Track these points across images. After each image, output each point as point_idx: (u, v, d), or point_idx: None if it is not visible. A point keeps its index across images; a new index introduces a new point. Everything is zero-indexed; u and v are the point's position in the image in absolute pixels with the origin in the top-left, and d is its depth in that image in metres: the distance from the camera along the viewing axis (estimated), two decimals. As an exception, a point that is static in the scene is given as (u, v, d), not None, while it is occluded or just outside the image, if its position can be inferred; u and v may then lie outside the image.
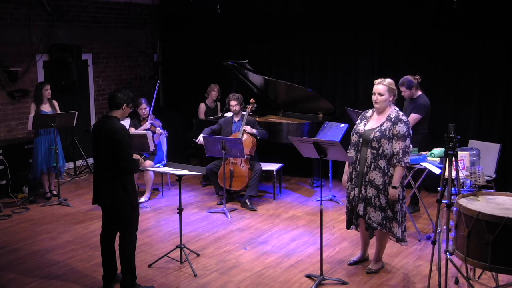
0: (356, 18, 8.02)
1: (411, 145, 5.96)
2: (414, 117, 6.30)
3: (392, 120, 4.68)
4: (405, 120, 4.70)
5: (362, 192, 4.78)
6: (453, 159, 4.23)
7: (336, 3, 8.16)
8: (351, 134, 4.91)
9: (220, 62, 8.54)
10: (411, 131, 4.75)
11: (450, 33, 7.29)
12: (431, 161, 5.72)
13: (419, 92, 6.41)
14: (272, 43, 8.94)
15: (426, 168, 5.63)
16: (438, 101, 7.09)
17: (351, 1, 8.02)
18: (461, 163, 5.17)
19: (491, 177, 6.03)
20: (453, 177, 4.41)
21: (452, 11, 6.63)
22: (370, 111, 4.92)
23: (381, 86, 4.73)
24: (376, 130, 4.69)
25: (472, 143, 6.43)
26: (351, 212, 4.97)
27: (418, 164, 5.69)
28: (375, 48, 7.96)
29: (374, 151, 4.67)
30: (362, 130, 4.78)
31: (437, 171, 5.49)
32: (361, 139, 4.76)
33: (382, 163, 4.66)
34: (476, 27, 7.08)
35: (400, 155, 4.62)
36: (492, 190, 5.01)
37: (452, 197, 4.28)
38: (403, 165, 4.64)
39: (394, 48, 7.80)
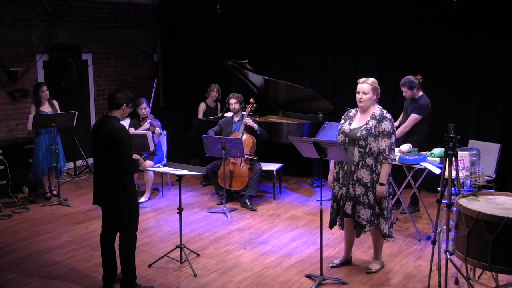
0: (356, 18, 8.03)
1: (410, 146, 6.02)
2: (414, 117, 6.30)
3: (377, 118, 4.73)
4: (389, 117, 4.75)
5: (350, 191, 4.80)
6: (453, 159, 4.23)
7: (336, 3, 8.17)
8: (337, 134, 4.94)
9: (220, 62, 8.54)
10: (395, 128, 4.81)
11: (450, 33, 7.29)
12: (431, 161, 5.73)
13: (421, 93, 6.41)
14: (272, 43, 8.94)
15: (426, 168, 5.63)
16: (438, 101, 7.09)
17: (351, 1, 8.02)
18: (461, 163, 5.18)
19: (491, 177, 6.03)
20: (453, 177, 4.41)
21: (452, 11, 6.63)
22: (353, 111, 4.96)
23: (366, 85, 4.78)
24: (362, 129, 4.73)
25: (472, 143, 6.43)
26: (337, 211, 4.97)
27: (418, 164, 5.69)
28: (375, 48, 7.97)
29: (361, 150, 4.71)
30: (347, 130, 4.82)
31: (437, 171, 5.49)
32: (347, 139, 4.80)
33: (369, 161, 4.70)
34: (476, 27, 7.08)
35: (387, 152, 4.67)
36: (492, 190, 5.01)
37: (452, 197, 4.28)
38: (390, 162, 4.69)
39: (394, 48, 7.80)
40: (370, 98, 4.76)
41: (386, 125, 4.68)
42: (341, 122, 4.95)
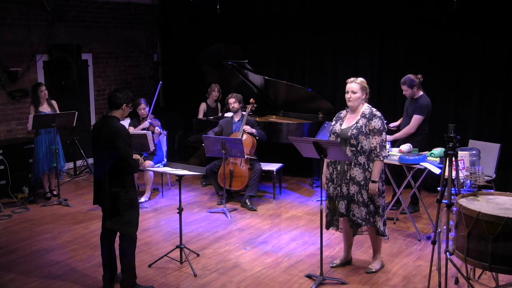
0: (356, 18, 8.02)
1: (410, 146, 6.02)
2: (417, 118, 6.27)
3: (367, 116, 4.77)
4: (379, 115, 4.79)
5: (344, 190, 4.82)
6: (453, 159, 4.23)
7: (336, 3, 8.16)
8: (329, 135, 4.98)
9: (220, 62, 8.54)
10: (385, 126, 4.85)
11: (450, 33, 7.29)
12: (431, 161, 5.73)
13: (421, 92, 6.40)
14: (272, 43, 8.94)
15: (426, 168, 5.63)
16: (438, 101, 7.09)
17: (351, 1, 8.02)
18: (461, 163, 5.18)
19: (491, 177, 6.03)
20: (453, 177, 4.41)
21: (452, 11, 6.63)
22: (343, 112, 5.00)
23: (354, 84, 4.83)
24: (352, 128, 4.77)
25: (472, 143, 6.43)
26: (332, 212, 4.99)
27: (418, 164, 5.69)
28: (375, 48, 7.96)
29: (353, 148, 4.74)
30: (339, 130, 4.86)
31: (437, 171, 5.49)
32: (338, 139, 4.83)
33: (362, 159, 4.74)
34: (476, 27, 7.08)
35: (378, 150, 4.71)
36: (492, 190, 5.01)
37: (452, 197, 4.28)
38: (381, 159, 4.72)
39: (394, 48, 7.80)
40: (359, 97, 4.81)
41: (376, 123, 4.72)
42: (332, 123, 4.99)
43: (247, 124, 7.18)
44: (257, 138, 7.23)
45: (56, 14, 8.59)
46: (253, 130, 7.19)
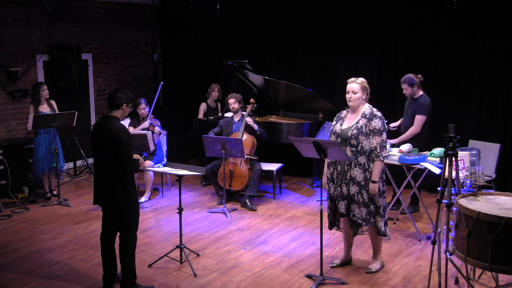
0: (356, 18, 8.02)
1: (410, 146, 6.02)
2: (420, 119, 6.26)
3: (367, 116, 4.77)
4: (380, 115, 4.79)
5: (344, 190, 4.82)
6: (453, 159, 4.23)
7: (336, 4, 8.16)
8: (329, 135, 4.98)
9: (220, 62, 8.54)
10: (386, 126, 4.85)
11: (450, 33, 7.29)
12: (431, 161, 5.73)
13: (421, 92, 6.40)
14: (272, 43, 8.93)
15: (426, 168, 5.63)
16: (438, 101, 7.09)
17: (351, 1, 8.02)
18: (461, 163, 5.18)
19: (491, 177, 6.03)
20: (453, 177, 4.41)
21: (452, 11, 6.63)
22: (344, 112, 5.00)
23: (355, 85, 4.83)
24: (353, 128, 4.77)
25: (472, 143, 6.43)
26: (334, 212, 5.00)
27: (418, 164, 5.69)
28: (375, 48, 7.96)
29: (353, 149, 4.74)
30: (339, 130, 4.86)
31: (437, 171, 5.49)
32: (339, 139, 4.83)
33: (362, 159, 4.74)
34: (476, 27, 7.08)
35: (378, 150, 4.71)
36: (492, 190, 5.01)
37: (452, 197, 4.28)
38: (382, 159, 4.72)
39: (394, 49, 7.80)
40: (360, 97, 4.81)
41: (376, 123, 4.72)
42: (333, 124, 4.99)
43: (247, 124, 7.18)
44: (258, 133, 7.22)
45: (56, 14, 8.59)
46: (255, 126, 7.18)
